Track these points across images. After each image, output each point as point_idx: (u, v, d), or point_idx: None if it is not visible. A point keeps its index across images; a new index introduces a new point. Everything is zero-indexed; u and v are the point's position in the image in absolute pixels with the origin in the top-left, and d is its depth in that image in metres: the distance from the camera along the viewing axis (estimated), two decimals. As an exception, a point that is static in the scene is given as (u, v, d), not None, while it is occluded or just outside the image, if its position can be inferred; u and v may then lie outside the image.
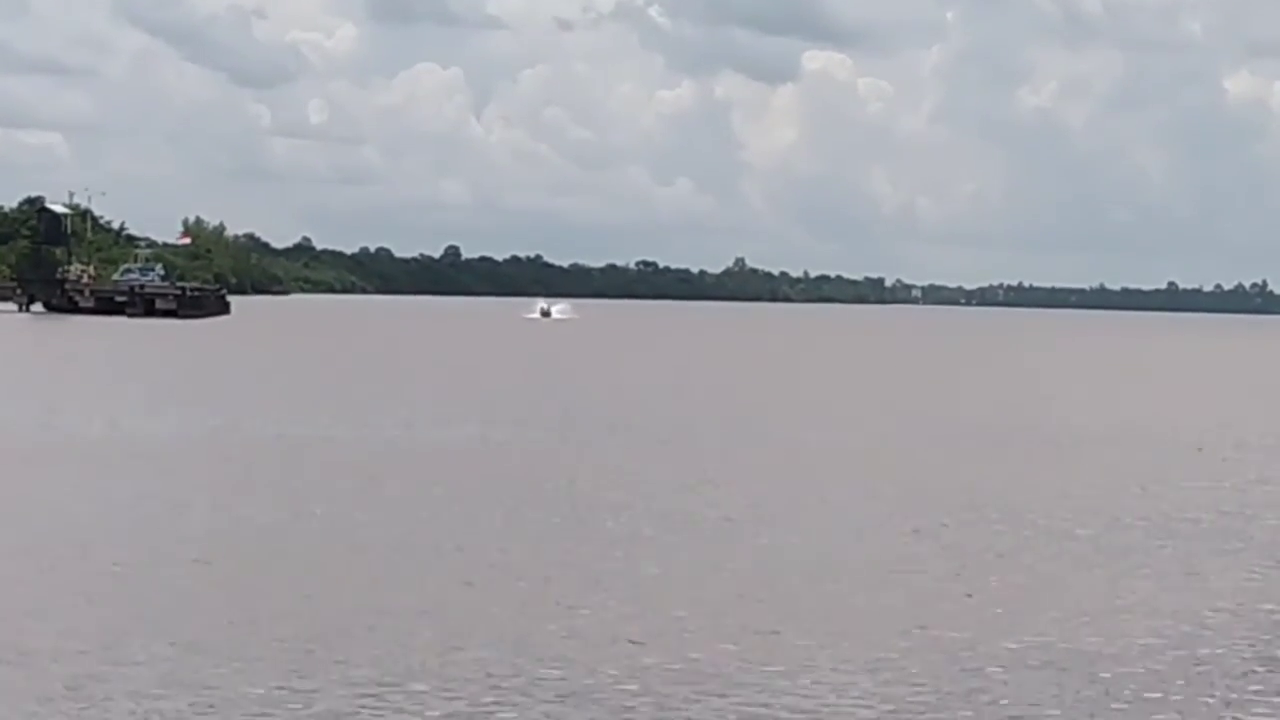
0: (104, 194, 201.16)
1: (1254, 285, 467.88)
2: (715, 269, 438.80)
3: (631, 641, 17.74)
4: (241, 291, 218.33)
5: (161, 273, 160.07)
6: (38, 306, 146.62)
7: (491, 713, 15.01)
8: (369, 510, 27.30)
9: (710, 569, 22.47)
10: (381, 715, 14.88)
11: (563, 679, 16.11)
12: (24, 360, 76.57)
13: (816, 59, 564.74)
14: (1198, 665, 17.38)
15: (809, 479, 34.06)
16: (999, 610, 20.06)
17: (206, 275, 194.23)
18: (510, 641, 17.57)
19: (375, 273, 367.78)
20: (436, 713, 14.99)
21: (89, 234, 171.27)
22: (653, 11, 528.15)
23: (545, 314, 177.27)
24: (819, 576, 22.17)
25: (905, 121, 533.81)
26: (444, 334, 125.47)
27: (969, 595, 21.01)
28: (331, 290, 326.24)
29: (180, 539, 24.17)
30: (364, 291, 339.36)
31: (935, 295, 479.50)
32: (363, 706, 15.05)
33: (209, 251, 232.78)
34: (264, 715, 14.80)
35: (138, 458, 34.97)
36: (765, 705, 15.42)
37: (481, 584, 21.12)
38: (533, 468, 34.45)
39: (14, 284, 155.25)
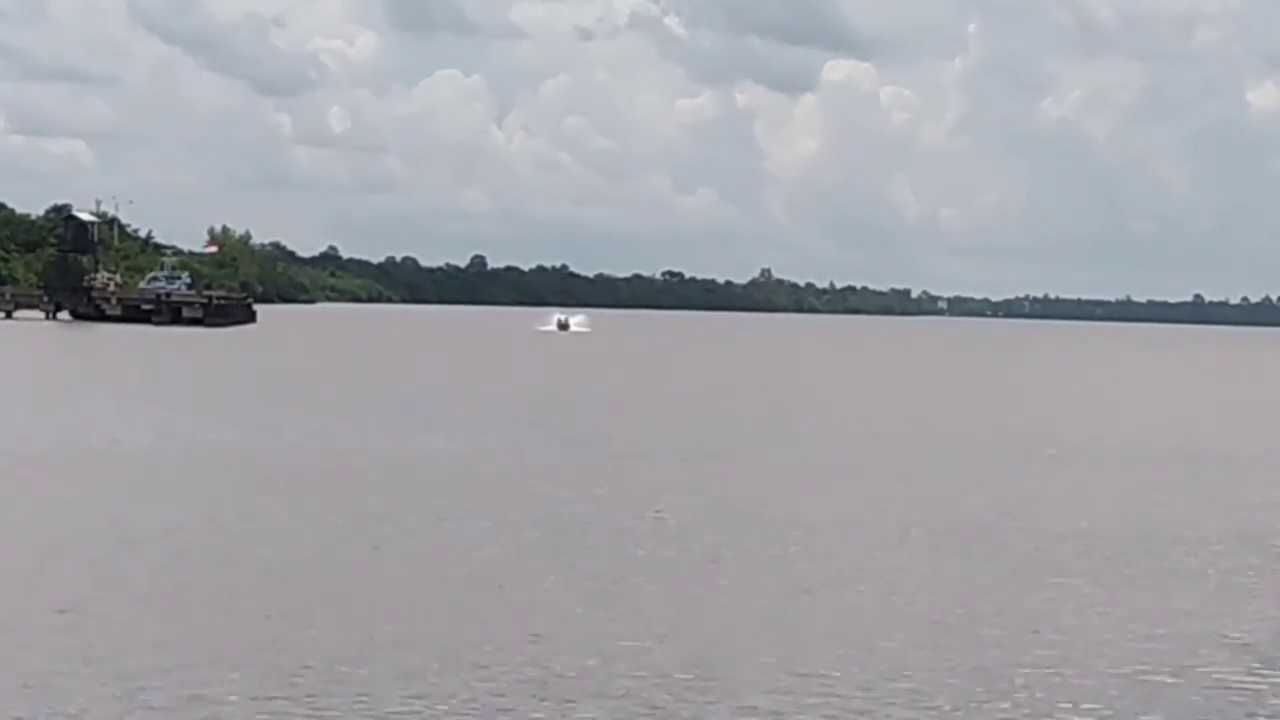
0: (131, 202, 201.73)
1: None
2: (741, 279, 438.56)
3: (657, 652, 17.67)
4: (268, 300, 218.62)
5: (188, 281, 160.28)
6: (64, 314, 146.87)
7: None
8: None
9: (736, 582, 22.39)
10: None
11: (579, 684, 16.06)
12: (50, 368, 76.60)
13: (838, 69, 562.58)
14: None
15: (838, 494, 33.96)
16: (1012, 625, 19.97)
17: (233, 284, 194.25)
18: (527, 646, 17.53)
19: (401, 282, 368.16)
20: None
21: (116, 242, 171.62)
22: (670, 21, 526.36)
23: (563, 326, 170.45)
24: (840, 591, 22.09)
25: (928, 132, 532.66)
26: (454, 348, 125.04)
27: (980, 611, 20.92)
28: (357, 299, 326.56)
29: (199, 548, 24.15)
30: (390, 301, 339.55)
31: (961, 307, 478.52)
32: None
33: (235, 260, 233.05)
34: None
35: (162, 467, 34.96)
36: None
37: (498, 597, 21.11)
38: (531, 483, 34.42)
39: (41, 292, 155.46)
